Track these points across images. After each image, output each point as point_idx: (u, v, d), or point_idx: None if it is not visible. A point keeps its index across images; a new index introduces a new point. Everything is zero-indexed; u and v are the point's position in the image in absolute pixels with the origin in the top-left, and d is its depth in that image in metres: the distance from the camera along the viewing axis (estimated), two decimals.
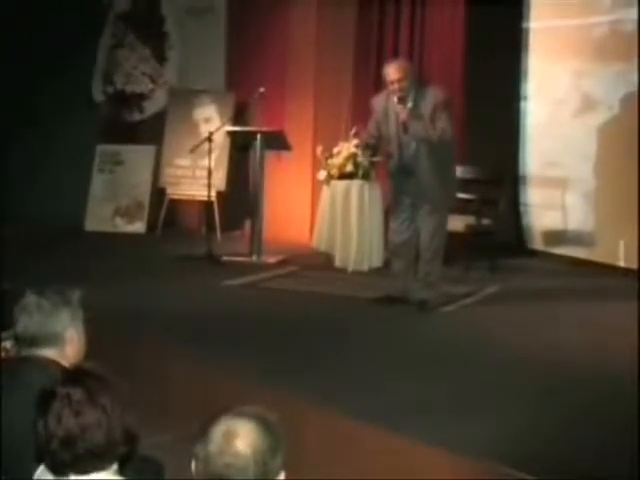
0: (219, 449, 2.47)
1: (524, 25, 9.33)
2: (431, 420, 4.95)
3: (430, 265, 7.12)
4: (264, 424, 2.50)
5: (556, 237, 9.21)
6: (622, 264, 8.59)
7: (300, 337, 6.50)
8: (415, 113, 6.93)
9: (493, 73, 9.12)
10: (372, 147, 7.65)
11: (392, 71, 6.99)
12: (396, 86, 6.95)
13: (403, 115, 6.95)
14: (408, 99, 6.96)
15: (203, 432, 2.49)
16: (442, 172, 7.06)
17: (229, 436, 2.47)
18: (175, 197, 10.33)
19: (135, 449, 2.76)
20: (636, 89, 8.46)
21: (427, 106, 6.93)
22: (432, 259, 7.10)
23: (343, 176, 8.49)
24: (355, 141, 8.45)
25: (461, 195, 8.46)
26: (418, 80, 7.18)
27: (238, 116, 9.68)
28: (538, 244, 9.34)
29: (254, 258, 8.75)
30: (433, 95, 6.98)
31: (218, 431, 2.48)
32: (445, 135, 6.90)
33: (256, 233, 8.82)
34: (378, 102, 7.21)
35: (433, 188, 7.02)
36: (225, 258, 8.71)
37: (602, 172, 8.86)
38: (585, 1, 8.89)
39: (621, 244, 8.69)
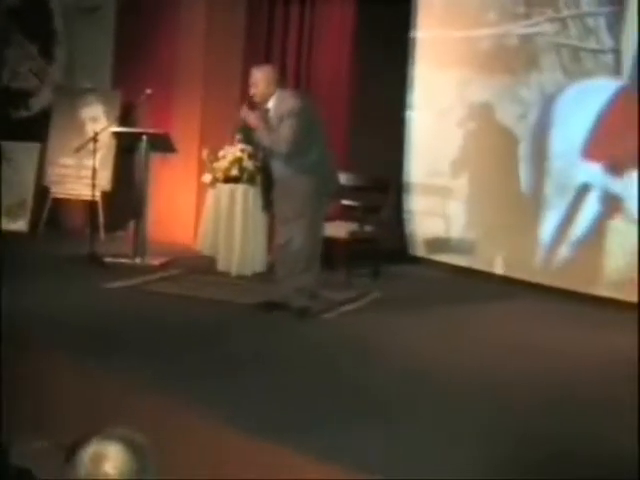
0: (88, 473, 2.45)
1: (412, 34, 9.46)
2: (306, 428, 4.98)
3: (303, 276, 7.10)
4: (132, 446, 2.49)
5: (438, 244, 9.37)
6: (500, 272, 8.80)
7: (180, 342, 6.46)
8: (265, 119, 6.95)
9: (380, 80, 9.25)
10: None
11: (252, 76, 7.07)
12: (250, 91, 7.03)
13: (250, 120, 6.98)
14: (264, 106, 7.00)
15: (71, 456, 2.47)
16: (306, 180, 6.98)
17: (97, 460, 2.45)
18: (59, 196, 10.20)
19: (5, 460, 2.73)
20: (519, 102, 8.69)
21: (278, 114, 6.94)
22: (304, 270, 7.08)
23: (228, 180, 8.50)
24: (241, 145, 8.47)
25: (345, 202, 8.58)
26: (281, 87, 7.15)
27: (124, 116, 9.62)
28: (420, 251, 9.49)
29: (137, 260, 8.69)
30: (287, 103, 6.96)
31: (86, 455, 2.47)
32: (277, 143, 6.89)
33: (140, 235, 8.77)
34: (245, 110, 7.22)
35: (296, 195, 7.00)
36: (108, 259, 8.64)
37: (480, 182, 9.04)
38: (472, 14, 9.04)
39: (498, 252, 8.89)
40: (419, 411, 5.35)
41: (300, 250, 7.04)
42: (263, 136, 6.97)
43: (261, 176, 7.65)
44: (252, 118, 6.97)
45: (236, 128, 7.36)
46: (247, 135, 7.44)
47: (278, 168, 7.09)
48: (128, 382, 5.61)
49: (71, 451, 2.48)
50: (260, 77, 7.03)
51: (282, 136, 6.85)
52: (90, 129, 9.66)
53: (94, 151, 8.76)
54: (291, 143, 6.85)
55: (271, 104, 7.00)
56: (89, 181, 9.10)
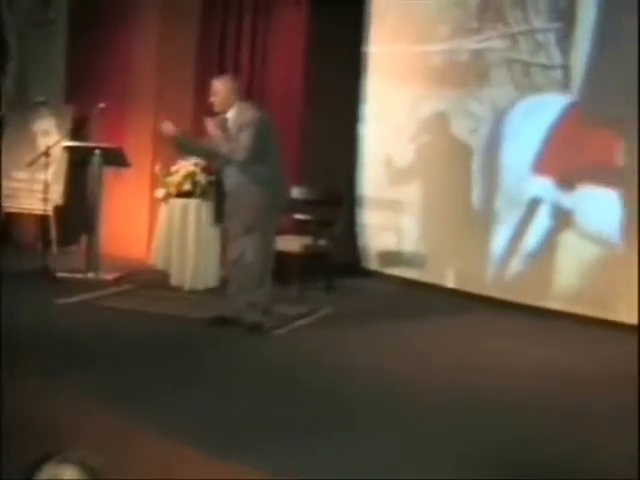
0: None
1: (364, 49, 9.52)
2: (260, 444, 4.98)
3: (257, 290, 7.11)
4: (88, 470, 2.47)
5: (390, 258, 9.42)
6: (450, 285, 8.86)
7: (133, 358, 6.45)
8: (223, 129, 6.99)
9: (333, 94, 9.30)
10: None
11: (212, 86, 7.12)
12: (213, 100, 7.06)
13: (209, 129, 7.01)
14: (224, 116, 7.04)
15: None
16: (258, 192, 7.00)
17: None
18: (12, 210, 10.12)
19: None
20: (471, 116, 8.77)
21: (236, 124, 6.98)
22: (257, 286, 7.09)
23: (181, 194, 8.49)
24: (194, 160, 8.47)
25: (298, 216, 8.60)
26: (240, 98, 7.17)
27: (77, 130, 9.57)
28: (373, 264, 9.54)
29: (90, 275, 8.66)
30: (246, 114, 7.02)
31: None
32: (236, 152, 6.92)
33: (93, 249, 8.74)
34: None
35: (248, 208, 7.01)
36: (60, 274, 8.60)
37: (432, 195, 9.11)
38: (424, 29, 9.11)
39: (450, 266, 8.96)
40: (372, 425, 5.37)
41: (252, 264, 7.05)
42: (221, 144, 7.00)
43: (214, 189, 7.65)
44: (211, 126, 7.00)
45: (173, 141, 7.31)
46: (183, 147, 7.45)
47: (232, 179, 7.10)
48: (81, 399, 5.58)
49: (26, 475, 2.46)
50: (220, 87, 7.09)
51: (240, 144, 6.90)
52: (42, 143, 9.62)
53: (46, 165, 8.72)
54: (249, 151, 6.89)
55: (230, 114, 7.04)
56: (41, 195, 9.05)
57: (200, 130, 9.01)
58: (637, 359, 6.44)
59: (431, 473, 4.69)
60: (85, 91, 9.83)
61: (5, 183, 10.10)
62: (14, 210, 10.14)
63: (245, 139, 6.90)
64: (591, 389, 6.26)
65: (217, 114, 7.10)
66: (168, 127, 7.13)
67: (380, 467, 4.76)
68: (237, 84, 7.29)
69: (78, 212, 9.40)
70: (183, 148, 7.50)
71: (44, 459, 2.48)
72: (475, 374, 6.44)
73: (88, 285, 8.41)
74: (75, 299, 7.94)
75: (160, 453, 5.01)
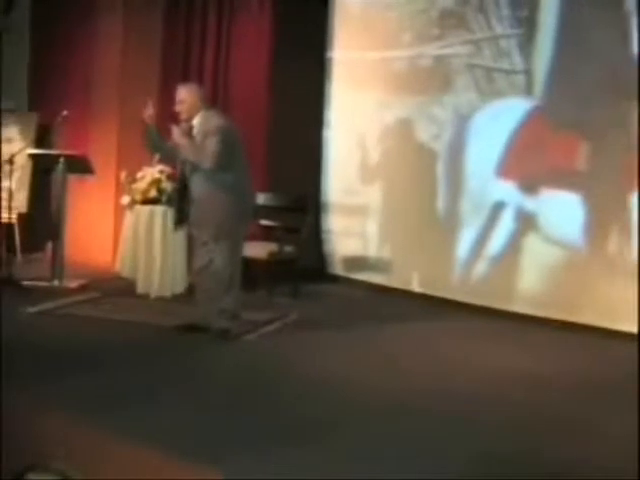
0: None
1: (328, 54, 9.56)
2: (229, 450, 4.99)
3: (225, 297, 7.13)
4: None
5: (356, 263, 9.46)
6: (415, 289, 8.92)
7: (102, 367, 6.43)
8: (188, 135, 7.00)
9: (298, 100, 9.33)
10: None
11: (177, 93, 7.14)
12: (176, 108, 7.07)
13: (175, 135, 7.03)
14: (190, 123, 7.06)
15: None
16: (218, 200, 7.04)
17: None
18: None
19: None
20: (434, 121, 8.84)
21: (202, 131, 7.00)
22: (225, 292, 7.12)
23: (147, 201, 8.48)
24: (159, 167, 8.47)
25: (264, 222, 8.63)
26: (205, 105, 7.20)
27: (41, 138, 9.54)
28: (339, 270, 9.58)
29: (55, 283, 8.63)
30: (212, 121, 7.04)
31: None
32: (203, 159, 6.92)
33: (58, 257, 8.70)
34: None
35: (208, 217, 7.05)
36: (25, 282, 8.56)
37: (397, 200, 9.17)
38: (387, 35, 9.17)
39: (415, 270, 9.02)
40: (342, 431, 5.40)
41: (221, 271, 7.07)
42: (188, 151, 7.00)
43: (176, 195, 7.64)
44: (176, 133, 7.00)
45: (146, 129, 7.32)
46: (153, 140, 7.42)
47: (198, 187, 7.10)
48: (50, 408, 5.56)
49: None
50: (185, 94, 7.10)
51: (207, 151, 6.90)
52: (5, 150, 9.55)
53: (10, 173, 8.67)
54: (216, 158, 6.90)
55: (195, 122, 7.05)
56: (5, 203, 9.00)
57: (164, 136, 9.09)
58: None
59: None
60: (49, 99, 9.80)
61: None
62: None
63: (211, 147, 6.91)
64: (557, 392, 6.33)
65: (183, 121, 7.10)
66: (149, 109, 7.18)
67: (350, 474, 4.78)
68: (202, 91, 7.32)
69: (43, 220, 9.36)
70: (152, 140, 7.42)
71: (25, 470, 2.49)
72: (442, 378, 6.50)
73: (53, 293, 8.38)
74: (40, 307, 7.89)
75: (130, 460, 5.01)
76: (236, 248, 7.18)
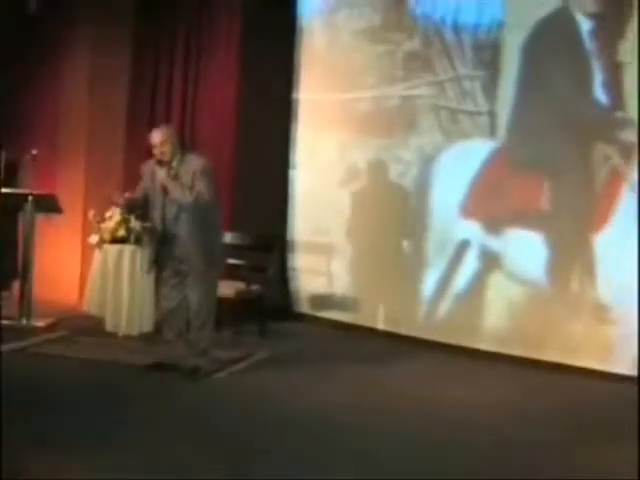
0: None
1: (294, 95, 9.68)
2: None
3: (200, 332, 7.20)
4: None
5: (322, 301, 9.55)
6: (381, 327, 9.02)
7: (72, 406, 6.43)
8: (175, 177, 7.08)
9: (264, 140, 9.43)
10: (131, 208, 7.82)
11: (154, 136, 7.17)
12: (157, 150, 7.14)
13: (162, 178, 7.11)
14: (171, 164, 7.12)
15: None
16: (205, 238, 7.15)
17: None
18: None
19: None
20: (399, 161, 8.98)
21: (188, 172, 7.07)
22: (201, 326, 7.20)
23: (115, 240, 8.52)
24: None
25: (231, 261, 8.68)
26: (182, 146, 7.28)
27: (8, 176, 9.53)
28: (305, 308, 9.65)
29: (23, 321, 8.62)
30: (193, 161, 7.12)
31: None
32: (200, 199, 7.00)
33: (26, 296, 8.70)
34: (147, 167, 7.32)
35: (196, 254, 7.13)
36: None
37: (362, 239, 9.28)
38: (352, 77, 9.31)
39: (380, 308, 9.12)
40: (311, 469, 5.45)
41: (197, 308, 7.17)
42: (177, 192, 7.04)
43: (152, 237, 7.69)
44: (163, 176, 7.06)
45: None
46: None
47: (185, 225, 7.13)
48: (16, 448, 5.54)
49: None
50: (167, 136, 7.15)
51: (199, 190, 7.00)
52: None
53: None
54: (210, 197, 7.03)
55: (175, 162, 7.12)
56: None
57: (130, 177, 9.16)
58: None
59: None
60: (15, 137, 9.79)
61: None
62: None
63: (204, 186, 7.01)
64: (522, 427, 6.42)
65: (164, 164, 7.13)
66: (118, 199, 7.43)
67: None
68: (174, 131, 7.42)
69: (9, 258, 9.36)
70: (133, 209, 7.71)
71: None
72: (407, 416, 6.56)
73: (21, 332, 8.37)
74: (8, 346, 7.87)
75: None
76: (214, 286, 7.30)
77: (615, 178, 7.78)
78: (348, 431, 6.15)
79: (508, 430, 6.33)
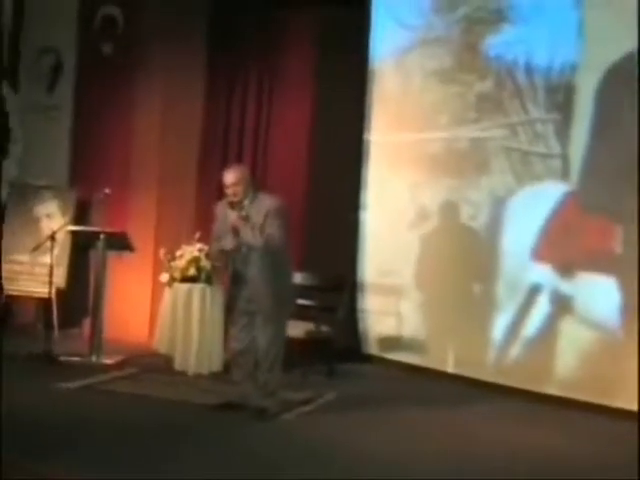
0: None
1: (365, 137, 9.68)
2: None
3: (268, 373, 7.19)
4: None
5: (391, 343, 9.49)
6: (451, 370, 8.94)
7: (139, 444, 6.45)
8: (246, 218, 7.08)
9: (335, 181, 9.45)
10: (217, 256, 7.80)
11: (227, 176, 7.18)
12: (230, 190, 7.14)
13: (233, 219, 7.12)
14: (242, 204, 7.13)
15: None
16: (275, 279, 7.14)
17: None
18: (12, 293, 10.14)
19: None
20: (470, 203, 8.92)
21: (259, 212, 7.07)
22: (270, 368, 7.18)
23: (185, 279, 8.57)
24: (198, 245, 8.59)
25: (301, 301, 8.66)
26: (254, 187, 7.28)
27: (80, 214, 9.68)
28: (374, 349, 9.60)
29: (93, 358, 8.70)
30: (266, 202, 7.13)
31: None
32: (271, 241, 7.01)
33: (96, 333, 8.78)
34: (220, 208, 7.34)
35: (266, 295, 7.12)
36: (63, 358, 8.63)
37: (432, 281, 9.22)
38: (424, 118, 9.30)
39: (450, 351, 9.04)
40: None
41: (266, 349, 7.16)
42: (248, 234, 7.05)
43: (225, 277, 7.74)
44: (234, 217, 7.08)
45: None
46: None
47: (254, 267, 7.16)
48: None
49: None
50: (240, 177, 7.15)
51: (270, 233, 7.01)
52: (45, 226, 9.71)
53: (51, 249, 8.78)
54: (282, 239, 7.05)
55: (247, 202, 7.13)
56: (43, 278, 9.12)
57: (201, 216, 9.24)
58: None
59: None
60: (89, 175, 9.96)
61: (7, 266, 10.14)
62: (15, 293, 10.17)
63: (275, 227, 7.02)
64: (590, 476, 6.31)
65: (236, 204, 7.15)
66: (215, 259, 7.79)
67: None
68: (248, 172, 7.41)
69: (80, 295, 9.47)
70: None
71: None
72: (476, 460, 6.49)
73: (91, 369, 8.44)
74: (78, 383, 7.94)
75: None
76: (283, 328, 7.28)
77: None
78: (413, 474, 6.09)
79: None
